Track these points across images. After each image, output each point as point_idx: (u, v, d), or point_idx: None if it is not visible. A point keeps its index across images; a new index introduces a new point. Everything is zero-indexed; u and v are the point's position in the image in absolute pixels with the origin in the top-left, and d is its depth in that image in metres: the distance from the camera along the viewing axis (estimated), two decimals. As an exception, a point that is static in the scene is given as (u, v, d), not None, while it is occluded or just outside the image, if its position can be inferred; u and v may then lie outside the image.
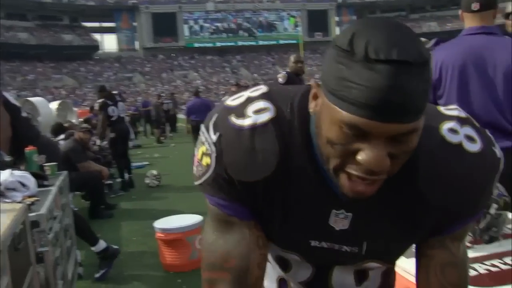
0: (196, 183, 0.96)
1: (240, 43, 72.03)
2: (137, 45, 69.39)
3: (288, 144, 0.86)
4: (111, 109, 7.78)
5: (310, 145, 0.85)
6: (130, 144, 12.64)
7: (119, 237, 5.28)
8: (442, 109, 0.89)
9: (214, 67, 68.34)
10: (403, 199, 0.87)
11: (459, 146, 0.84)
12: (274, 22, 73.35)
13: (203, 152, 0.91)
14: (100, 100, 7.98)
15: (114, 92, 8.52)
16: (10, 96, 3.95)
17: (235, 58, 70.99)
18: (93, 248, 4.06)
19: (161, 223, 4.17)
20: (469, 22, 2.58)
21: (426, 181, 0.84)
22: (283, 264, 1.06)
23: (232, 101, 0.92)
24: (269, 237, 0.97)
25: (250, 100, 0.89)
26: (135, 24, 68.28)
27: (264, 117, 0.86)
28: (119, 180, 8.13)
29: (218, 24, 71.16)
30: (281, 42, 72.78)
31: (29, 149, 3.62)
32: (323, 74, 0.76)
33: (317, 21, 71.77)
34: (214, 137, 0.88)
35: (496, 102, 2.38)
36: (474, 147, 0.85)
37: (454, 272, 0.92)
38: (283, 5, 73.13)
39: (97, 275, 3.99)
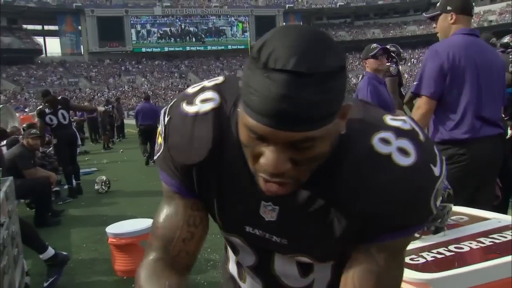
0: (154, 158, 1.04)
1: (188, 48, 71.72)
2: (82, 49, 67.69)
3: (225, 135, 0.90)
4: (48, 118, 7.50)
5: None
6: (77, 150, 12.38)
7: (69, 244, 5.14)
8: (387, 118, 0.87)
9: (162, 72, 67.69)
10: (324, 201, 0.87)
11: (387, 157, 0.82)
12: (223, 28, 73.51)
13: (159, 132, 0.99)
14: (38, 108, 7.72)
15: (59, 98, 8.21)
16: None
17: (183, 63, 70.60)
18: (41, 256, 3.92)
19: (113, 228, 4.10)
20: (464, 24, 2.81)
21: (347, 188, 0.84)
22: (232, 248, 1.10)
23: (191, 88, 0.99)
24: (214, 219, 1.03)
25: (202, 90, 0.96)
26: (79, 27, 66.63)
27: (207, 106, 0.92)
28: (66, 187, 7.91)
29: (166, 29, 70.62)
30: (230, 47, 73.03)
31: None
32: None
33: (265, 27, 72.00)
34: (166, 120, 0.96)
35: (494, 95, 2.72)
36: (404, 160, 0.82)
37: (371, 281, 0.88)
38: (231, 10, 73.46)
39: (45, 284, 3.84)
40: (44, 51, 67.66)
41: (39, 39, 68.22)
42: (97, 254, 4.70)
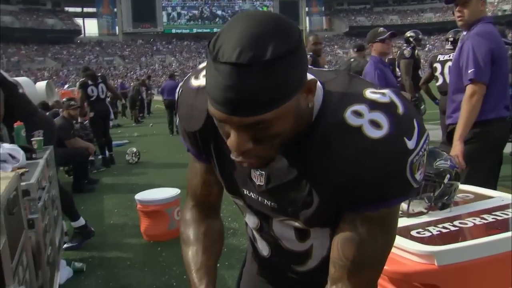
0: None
1: (215, 29, 71.06)
2: (117, 30, 67.91)
3: None
4: (90, 89, 7.64)
5: None
6: (111, 123, 12.53)
7: (102, 209, 5.25)
8: (367, 91, 0.84)
9: (190, 52, 67.56)
10: (300, 169, 0.88)
11: (357, 129, 0.80)
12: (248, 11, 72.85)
13: (176, 103, 1.05)
14: (81, 79, 7.84)
15: (98, 74, 8.33)
16: (6, 74, 3.88)
17: (210, 44, 70.29)
18: (72, 223, 4.02)
19: (141, 196, 4.17)
20: (485, 11, 2.78)
21: (318, 159, 0.83)
22: (240, 209, 1.13)
23: (201, 64, 1.01)
24: (225, 185, 1.07)
25: (202, 69, 0.98)
26: (115, 9, 66.73)
27: None
28: (100, 157, 8.04)
29: (195, 11, 70.23)
30: (254, 30, 72.26)
31: (17, 124, 3.56)
32: None
33: (288, 11, 71.33)
34: (179, 93, 1.02)
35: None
36: (375, 132, 0.79)
37: (352, 249, 0.87)
38: (256, -5, 72.65)
39: (65, 245, 3.93)
40: (83, 32, 68.08)
41: (79, 21, 68.63)
42: (127, 219, 4.78)
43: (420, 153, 0.82)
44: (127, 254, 3.86)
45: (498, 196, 1.91)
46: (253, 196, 0.99)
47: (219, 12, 71.55)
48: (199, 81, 0.96)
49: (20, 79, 9.18)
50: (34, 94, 9.01)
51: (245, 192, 1.01)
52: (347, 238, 0.87)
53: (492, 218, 1.66)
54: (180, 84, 1.04)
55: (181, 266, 3.44)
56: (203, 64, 0.97)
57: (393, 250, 1.48)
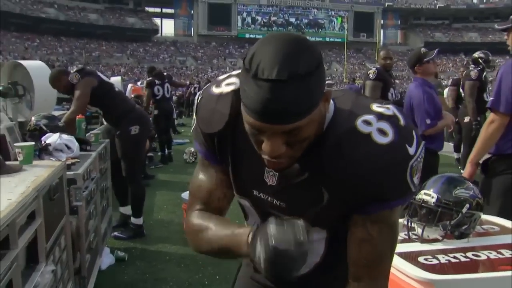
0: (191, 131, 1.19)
1: (288, 37, 71.65)
2: (192, 31, 70.06)
3: (240, 111, 0.98)
4: (156, 88, 8.02)
5: None
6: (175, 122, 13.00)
7: (152, 204, 5.51)
8: (374, 105, 0.97)
9: (262, 58, 68.24)
10: (313, 171, 0.98)
11: (367, 135, 0.92)
12: (322, 20, 72.55)
13: (194, 109, 1.14)
14: (149, 79, 8.24)
15: (164, 73, 8.73)
16: (103, 76, 4.28)
17: (281, 51, 70.59)
18: (133, 219, 4.30)
19: (187, 195, 4.33)
20: None
21: (330, 161, 0.94)
22: (244, 212, 1.21)
23: (222, 76, 1.13)
24: (234, 186, 1.14)
25: (229, 77, 1.09)
26: (192, 12, 68.89)
27: (229, 88, 1.05)
28: (160, 153, 8.39)
29: (269, 18, 70.96)
30: (327, 39, 71.96)
31: (79, 117, 3.87)
32: None
33: (363, 23, 70.48)
34: (198, 99, 1.12)
35: None
36: (383, 139, 0.92)
37: (368, 249, 0.99)
38: (332, 4, 72.15)
39: (113, 233, 4.21)
40: (160, 31, 70.81)
41: (157, 20, 71.48)
42: (174, 216, 4.99)
43: (419, 159, 0.95)
44: (168, 249, 4.04)
45: (525, 232, 1.86)
46: (262, 197, 1.08)
47: (292, 20, 71.85)
48: (221, 89, 1.07)
49: (112, 79, 9.87)
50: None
51: (254, 193, 1.10)
52: (362, 239, 1.00)
53: (510, 254, 1.62)
54: (200, 92, 1.13)
55: (215, 267, 3.57)
56: (223, 76, 1.11)
57: (396, 273, 1.51)
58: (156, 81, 8.04)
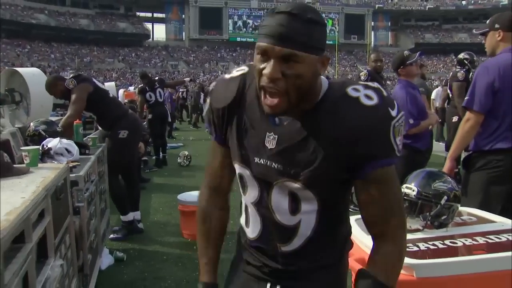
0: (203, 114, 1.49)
1: (279, 40, 71.91)
2: (184, 35, 70.20)
3: (247, 88, 1.24)
4: (148, 95, 8.12)
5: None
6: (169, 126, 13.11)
7: (148, 206, 5.62)
8: (359, 82, 1.17)
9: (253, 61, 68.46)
10: (309, 130, 1.14)
11: (356, 98, 1.10)
12: (313, 23, 72.92)
13: (209, 93, 1.34)
14: (140, 86, 8.37)
15: (155, 78, 8.84)
16: (98, 82, 4.41)
17: (273, 54, 70.83)
18: (122, 217, 4.46)
19: (183, 197, 4.46)
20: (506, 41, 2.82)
21: (325, 120, 1.12)
22: (242, 185, 1.32)
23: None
24: (235, 157, 1.29)
25: (241, 66, 1.30)
26: (183, 16, 69.06)
27: (238, 72, 1.28)
28: (154, 157, 8.51)
29: (261, 21, 71.15)
30: (318, 42, 72.16)
31: (76, 122, 3.98)
32: None
33: (353, 25, 70.95)
34: (212, 85, 1.33)
35: None
36: (369, 102, 1.10)
37: (375, 209, 1.16)
38: (322, 7, 72.51)
39: (110, 236, 4.33)
40: (151, 36, 70.90)
41: (148, 25, 71.58)
42: (170, 217, 5.11)
43: (400, 121, 1.12)
44: (165, 250, 4.16)
45: (500, 221, 2.00)
46: (262, 162, 1.21)
47: (283, 23, 72.21)
48: (231, 74, 1.29)
49: (106, 85, 9.99)
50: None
51: (255, 160, 1.22)
52: (367, 202, 1.17)
53: (483, 241, 1.77)
54: (214, 82, 1.34)
55: (212, 265, 3.70)
56: (235, 68, 1.32)
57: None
58: (147, 88, 8.15)
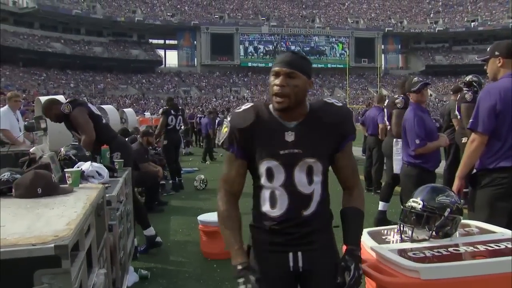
0: (220, 143, 1.88)
1: (290, 65, 72.49)
2: (196, 61, 71.34)
3: (260, 113, 1.81)
4: (170, 118, 8.44)
5: (269, 112, 1.81)
6: (182, 151, 13.37)
7: (168, 228, 5.84)
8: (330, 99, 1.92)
9: (265, 86, 68.97)
10: (312, 124, 1.80)
11: (332, 103, 1.86)
12: (324, 47, 73.72)
13: (224, 127, 1.83)
14: (165, 107, 8.66)
15: (180, 107, 9.15)
16: (93, 107, 4.70)
17: (284, 78, 71.37)
18: (144, 232, 4.74)
19: (203, 217, 4.68)
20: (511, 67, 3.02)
21: (320, 115, 1.82)
22: (270, 176, 1.80)
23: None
24: (264, 155, 1.78)
25: (244, 104, 1.88)
26: (195, 42, 70.32)
27: (248, 105, 1.85)
28: (171, 181, 8.75)
29: (271, 46, 72.21)
30: (329, 66, 72.95)
31: (104, 147, 4.25)
32: None
33: (364, 48, 71.54)
34: (228, 118, 1.84)
35: None
36: (339, 104, 1.86)
37: (349, 169, 1.91)
38: (333, 31, 73.42)
39: (141, 248, 4.70)
40: (163, 63, 72.17)
41: (161, 52, 72.88)
42: (190, 238, 5.32)
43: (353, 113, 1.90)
44: (187, 268, 4.37)
45: (500, 232, 2.19)
46: (287, 152, 1.77)
47: (294, 48, 73.07)
48: (243, 108, 1.84)
49: (106, 107, 10.30)
50: (117, 120, 10.01)
51: (281, 153, 1.77)
52: (345, 165, 1.88)
53: (484, 248, 1.96)
54: (227, 115, 1.89)
55: (232, 281, 3.87)
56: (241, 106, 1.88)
57: (388, 264, 1.86)
58: (172, 111, 8.46)
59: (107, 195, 2.90)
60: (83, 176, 3.16)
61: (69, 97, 4.86)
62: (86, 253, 1.94)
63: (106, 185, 3.20)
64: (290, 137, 1.77)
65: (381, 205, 5.63)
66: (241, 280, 1.69)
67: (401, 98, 5.69)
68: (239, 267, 1.72)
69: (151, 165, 7.23)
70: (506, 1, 75.13)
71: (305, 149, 1.76)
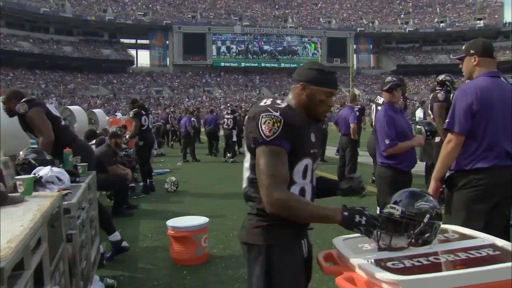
0: (269, 139, 1.77)
1: (263, 64, 72.71)
2: (168, 61, 70.63)
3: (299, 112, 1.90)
4: (143, 119, 8.23)
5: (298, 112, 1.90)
6: (154, 152, 13.12)
7: (137, 232, 5.63)
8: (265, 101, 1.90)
9: (237, 86, 69.00)
10: (317, 129, 2.03)
11: (267, 105, 1.83)
12: (296, 47, 74.00)
13: (274, 122, 1.77)
14: (135, 109, 8.42)
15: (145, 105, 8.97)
16: (52, 108, 4.44)
17: (257, 78, 71.62)
18: (109, 237, 4.53)
19: (173, 222, 4.50)
20: (487, 65, 2.97)
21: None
22: (305, 173, 1.89)
23: (266, 102, 1.88)
24: (301, 154, 1.86)
25: (270, 100, 1.90)
26: (167, 42, 69.61)
27: (283, 103, 1.87)
28: (141, 184, 8.51)
29: (244, 46, 72.10)
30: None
31: (66, 150, 4.02)
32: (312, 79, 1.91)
33: (336, 48, 72.19)
34: (277, 113, 1.78)
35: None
36: (283, 104, 1.86)
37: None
38: (305, 31, 73.81)
39: (107, 255, 4.48)
40: (135, 62, 71.19)
41: (132, 52, 71.93)
42: (159, 243, 5.12)
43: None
44: (155, 275, 4.17)
45: (481, 237, 2.09)
46: (312, 151, 1.93)
47: (267, 48, 73.18)
48: (283, 104, 1.85)
49: (73, 108, 9.97)
50: (84, 122, 9.69)
51: (311, 151, 1.92)
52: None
53: (465, 256, 1.85)
54: (271, 110, 1.79)
55: (202, 289, 3.72)
56: (268, 101, 1.88)
57: (366, 276, 1.73)
58: (143, 112, 8.27)
59: (66, 202, 2.71)
60: (41, 183, 2.96)
61: (28, 97, 4.52)
62: (35, 270, 1.75)
63: (66, 191, 3.00)
64: (313, 138, 1.97)
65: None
66: (358, 217, 1.73)
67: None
68: (346, 213, 1.74)
69: (119, 167, 6.98)
70: (472, 4, 77.08)
71: (318, 151, 1.98)
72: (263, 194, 1.77)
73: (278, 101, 1.86)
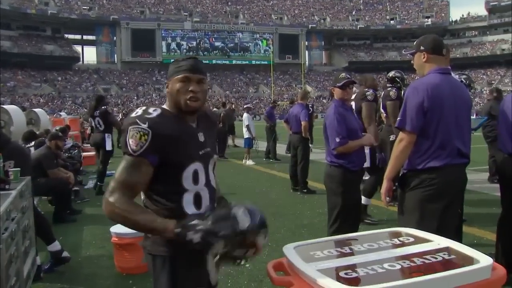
0: (136, 153, 1.68)
1: (214, 61, 72.31)
2: (116, 58, 68.94)
3: (171, 118, 1.79)
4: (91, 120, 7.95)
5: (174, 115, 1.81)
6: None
7: (80, 240, 5.34)
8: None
9: (189, 83, 68.27)
10: (207, 125, 1.95)
11: (137, 116, 1.72)
12: (248, 44, 74.06)
13: (141, 135, 1.68)
14: (103, 107, 8.25)
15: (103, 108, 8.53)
16: None
17: (209, 75, 71.12)
18: (48, 247, 4.23)
19: (117, 228, 4.26)
20: (437, 62, 2.94)
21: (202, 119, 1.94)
22: (195, 176, 1.79)
23: (138, 112, 1.76)
24: (185, 161, 1.77)
25: (145, 109, 1.79)
26: (115, 38, 67.92)
27: (156, 112, 1.76)
28: (86, 187, 8.16)
29: (195, 42, 71.44)
30: (254, 62, 73.48)
31: (-5, 155, 3.71)
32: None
33: (287, 45, 72.81)
34: (145, 125, 1.69)
35: (464, 128, 2.90)
36: (153, 113, 1.75)
37: None
38: (257, 28, 74.03)
39: (45, 267, 4.18)
40: (81, 59, 69.03)
41: (78, 48, 69.71)
42: (104, 251, 4.87)
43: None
44: (99, 286, 3.95)
45: (436, 241, 2.04)
46: (203, 152, 1.84)
47: (218, 44, 72.86)
48: (154, 113, 1.74)
49: (8, 108, 9.39)
50: (22, 122, 9.18)
51: (200, 153, 1.82)
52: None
53: (421, 262, 1.79)
54: (139, 122, 1.69)
55: (149, 300, 3.53)
56: (139, 111, 1.76)
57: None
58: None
59: (-10, 214, 2.47)
60: (-38, 192, 2.69)
61: None
62: None
63: (-8, 201, 2.75)
64: (201, 137, 1.87)
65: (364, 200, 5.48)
66: (191, 234, 1.56)
67: (371, 91, 5.93)
68: (177, 229, 1.60)
69: (61, 170, 6.63)
70: (420, 2, 79.83)
71: (211, 148, 1.91)
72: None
73: (151, 110, 1.75)
